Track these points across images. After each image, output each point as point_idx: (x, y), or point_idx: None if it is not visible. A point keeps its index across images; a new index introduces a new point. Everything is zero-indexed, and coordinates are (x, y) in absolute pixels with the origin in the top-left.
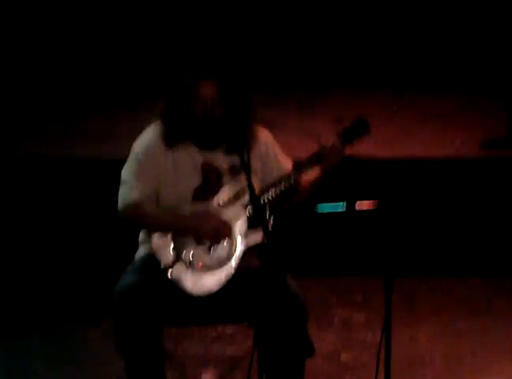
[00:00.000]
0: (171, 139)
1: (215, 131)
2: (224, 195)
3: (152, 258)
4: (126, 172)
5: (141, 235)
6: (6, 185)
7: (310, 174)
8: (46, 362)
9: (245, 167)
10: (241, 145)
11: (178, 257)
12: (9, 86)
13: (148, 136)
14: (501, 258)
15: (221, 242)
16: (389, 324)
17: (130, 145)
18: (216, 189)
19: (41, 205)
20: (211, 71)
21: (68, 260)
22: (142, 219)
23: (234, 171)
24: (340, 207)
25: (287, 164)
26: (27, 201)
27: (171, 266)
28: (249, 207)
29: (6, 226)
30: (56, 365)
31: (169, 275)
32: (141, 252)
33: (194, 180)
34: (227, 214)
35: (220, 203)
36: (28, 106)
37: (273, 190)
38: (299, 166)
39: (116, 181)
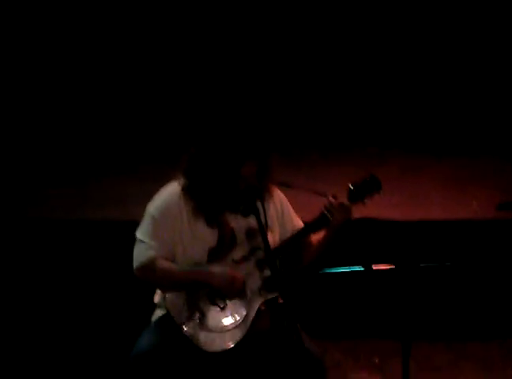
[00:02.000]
0: (212, 215)
1: (244, 196)
2: (238, 252)
3: (167, 319)
4: (141, 232)
5: (157, 298)
6: (19, 250)
7: (319, 233)
8: None
9: (261, 228)
10: (257, 207)
11: (191, 316)
12: (18, 147)
13: (165, 196)
14: None
15: (234, 299)
16: None
17: (138, 209)
18: (230, 249)
19: (55, 271)
20: (256, 151)
21: (83, 326)
22: (156, 275)
23: (250, 234)
24: (357, 268)
25: (299, 223)
26: (41, 266)
27: (186, 323)
28: (264, 265)
29: (20, 291)
30: None
31: (184, 329)
32: (157, 314)
33: (210, 240)
34: (241, 270)
35: (235, 259)
36: (37, 171)
37: (287, 247)
38: (307, 225)
39: (128, 244)
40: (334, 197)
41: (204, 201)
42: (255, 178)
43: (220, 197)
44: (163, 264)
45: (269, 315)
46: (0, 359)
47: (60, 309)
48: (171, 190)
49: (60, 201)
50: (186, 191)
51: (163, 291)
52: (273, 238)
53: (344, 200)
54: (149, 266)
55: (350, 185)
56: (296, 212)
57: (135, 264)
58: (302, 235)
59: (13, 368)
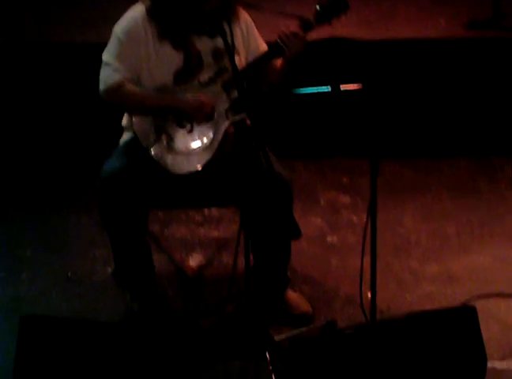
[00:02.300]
0: (178, 38)
1: (210, 18)
2: (204, 75)
3: (135, 142)
4: (108, 54)
5: (125, 121)
6: None
7: (276, 61)
8: (33, 247)
9: (228, 48)
10: (223, 27)
11: (158, 138)
12: None
13: (132, 18)
14: (485, 138)
15: (203, 122)
16: (374, 205)
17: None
18: (196, 71)
19: (25, 92)
20: None
21: (54, 147)
22: (124, 100)
23: (217, 55)
24: (324, 89)
25: (264, 46)
26: (11, 87)
27: (153, 145)
28: (231, 87)
29: None
30: (44, 250)
31: (151, 152)
32: (124, 137)
33: (176, 63)
34: (208, 93)
35: (201, 81)
36: None
37: (251, 71)
38: (263, 54)
39: (98, 66)
40: (302, 18)
41: (169, 22)
42: None
43: (184, 17)
44: (130, 88)
45: (233, 137)
46: None
47: (35, 130)
48: (136, 12)
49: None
50: (151, 13)
51: (130, 114)
52: (240, 60)
53: (297, 29)
54: (116, 89)
55: (316, 6)
56: (264, 34)
57: (101, 86)
58: (263, 60)
59: None
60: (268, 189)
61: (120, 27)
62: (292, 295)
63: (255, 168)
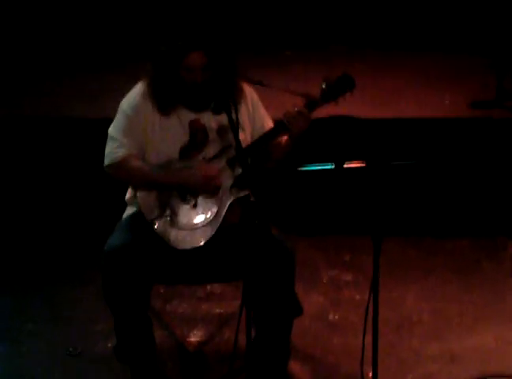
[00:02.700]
0: (164, 105)
1: (204, 95)
2: (209, 150)
3: (138, 216)
4: (114, 129)
5: (128, 195)
6: None
7: (280, 139)
8: (34, 322)
9: (232, 125)
10: (228, 104)
11: (162, 213)
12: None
13: (136, 95)
14: (489, 218)
15: (207, 197)
16: (376, 284)
17: (117, 105)
18: (202, 147)
19: (28, 165)
20: (199, 42)
21: (58, 221)
22: (129, 174)
23: (222, 132)
24: (328, 166)
25: (270, 124)
26: (13, 160)
27: (156, 220)
28: (235, 163)
29: None
30: (45, 323)
31: (155, 227)
32: (128, 212)
33: (181, 138)
34: (213, 168)
35: (206, 157)
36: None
37: (253, 149)
38: (268, 132)
39: (103, 141)
40: (308, 96)
41: (161, 97)
42: (201, 71)
43: (172, 91)
44: (135, 163)
45: (239, 210)
46: None
47: (38, 205)
48: (140, 89)
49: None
50: (148, 88)
51: (135, 189)
52: (245, 136)
53: (301, 108)
54: (121, 164)
55: (323, 84)
56: (270, 111)
57: (107, 161)
58: (267, 138)
59: None
60: (271, 256)
61: (126, 102)
62: (295, 367)
63: (258, 243)
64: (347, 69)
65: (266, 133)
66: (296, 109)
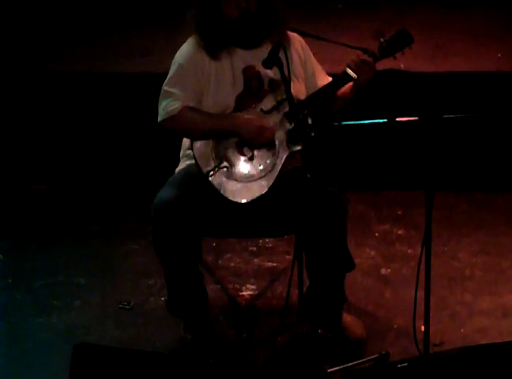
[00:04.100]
0: (213, 48)
1: (253, 25)
2: (267, 103)
3: (191, 170)
4: (169, 82)
5: (182, 151)
6: (45, 102)
7: (344, 88)
8: (88, 276)
9: (284, 80)
10: (279, 58)
11: (218, 165)
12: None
13: (189, 47)
14: None
15: (262, 149)
16: (429, 238)
17: (166, 61)
18: (258, 97)
19: (82, 121)
20: None
21: (110, 176)
22: (185, 126)
23: (273, 84)
24: (380, 120)
25: (322, 73)
26: (67, 117)
27: (213, 172)
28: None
29: (47, 137)
30: (97, 278)
31: (211, 178)
32: (181, 167)
33: (236, 87)
34: (270, 121)
35: (264, 109)
36: (56, 24)
37: (312, 102)
38: (331, 83)
39: (155, 96)
40: (367, 50)
41: (208, 41)
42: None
43: (218, 30)
44: (192, 113)
45: (296, 166)
46: None
47: (90, 159)
48: (191, 41)
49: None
50: (199, 33)
51: (191, 141)
52: (299, 86)
53: (366, 57)
54: (176, 117)
55: (381, 40)
56: (326, 65)
57: (163, 115)
58: (326, 91)
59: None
60: (323, 205)
61: (179, 54)
62: (348, 318)
63: (311, 196)
64: (398, 22)
65: (330, 83)
66: (361, 58)
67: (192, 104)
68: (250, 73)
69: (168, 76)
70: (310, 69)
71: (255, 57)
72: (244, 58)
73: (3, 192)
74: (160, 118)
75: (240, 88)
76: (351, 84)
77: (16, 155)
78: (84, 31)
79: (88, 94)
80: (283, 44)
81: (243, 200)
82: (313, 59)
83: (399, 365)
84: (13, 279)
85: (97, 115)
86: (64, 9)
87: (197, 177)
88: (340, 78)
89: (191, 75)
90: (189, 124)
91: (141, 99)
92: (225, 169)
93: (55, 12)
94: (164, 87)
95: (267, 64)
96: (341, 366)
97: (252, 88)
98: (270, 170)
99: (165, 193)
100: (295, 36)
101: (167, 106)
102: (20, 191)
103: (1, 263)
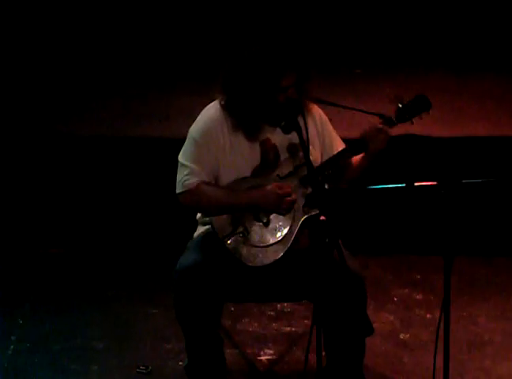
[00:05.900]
0: (253, 132)
1: (290, 109)
2: (283, 169)
3: (210, 235)
4: (184, 156)
5: (199, 215)
6: (63, 166)
7: (356, 158)
8: (106, 340)
9: (302, 144)
10: (298, 123)
11: (234, 230)
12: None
13: (207, 118)
14: None
15: (279, 214)
16: (448, 302)
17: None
18: (274, 166)
19: (99, 185)
20: (296, 63)
21: (129, 241)
22: (201, 203)
23: (293, 150)
24: (399, 184)
25: (339, 142)
26: (85, 181)
27: (229, 237)
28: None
29: (66, 201)
30: (116, 342)
31: (227, 243)
32: (199, 231)
33: (253, 159)
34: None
35: (280, 175)
36: (84, 85)
37: (328, 168)
38: (346, 149)
39: (173, 161)
40: (383, 116)
41: (244, 115)
42: (295, 90)
43: (259, 109)
44: (207, 190)
45: (307, 233)
46: None
47: (110, 224)
48: (211, 110)
49: (107, 116)
50: (227, 107)
51: (210, 216)
52: (315, 154)
53: (381, 125)
54: (193, 192)
55: (399, 105)
56: (342, 130)
57: (179, 189)
58: (341, 157)
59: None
60: (342, 285)
61: (196, 128)
62: None
63: (329, 263)
64: (415, 87)
65: (343, 150)
66: (376, 126)
67: (207, 179)
68: (267, 146)
69: (183, 149)
70: (327, 140)
71: (270, 129)
72: (260, 133)
73: (22, 255)
74: (177, 191)
75: (257, 159)
76: (363, 155)
77: (35, 219)
78: (100, 94)
79: (106, 157)
80: (302, 109)
81: (258, 265)
82: (331, 130)
83: None
84: (32, 342)
85: (115, 179)
86: (83, 71)
87: (215, 242)
88: (353, 145)
89: (205, 152)
90: (206, 198)
91: (159, 164)
92: (241, 234)
93: (74, 74)
94: (180, 159)
95: (286, 129)
96: None
97: (269, 160)
98: (286, 235)
99: (186, 258)
100: (315, 107)
101: (183, 181)
102: (38, 255)
103: (20, 327)
